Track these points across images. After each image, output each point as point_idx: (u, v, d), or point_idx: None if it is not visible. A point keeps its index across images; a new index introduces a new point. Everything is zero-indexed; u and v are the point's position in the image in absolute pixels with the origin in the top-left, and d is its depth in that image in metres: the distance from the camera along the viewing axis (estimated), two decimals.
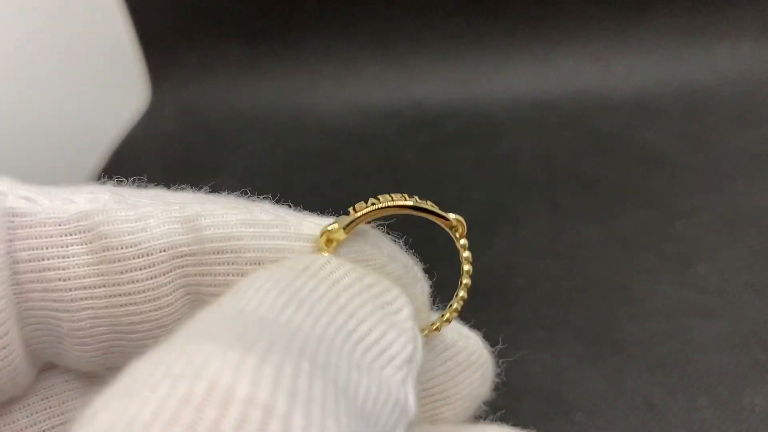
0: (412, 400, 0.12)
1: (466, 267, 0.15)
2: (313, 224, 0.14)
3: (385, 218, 0.16)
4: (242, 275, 0.14)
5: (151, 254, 0.14)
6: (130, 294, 0.14)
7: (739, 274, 0.33)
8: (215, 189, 0.16)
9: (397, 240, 0.16)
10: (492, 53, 0.53)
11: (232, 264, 0.14)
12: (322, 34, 0.54)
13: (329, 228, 0.14)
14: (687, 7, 0.51)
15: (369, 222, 0.15)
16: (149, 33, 0.54)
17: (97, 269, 0.14)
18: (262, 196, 0.16)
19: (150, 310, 0.14)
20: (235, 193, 0.16)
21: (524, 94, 0.51)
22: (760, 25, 0.50)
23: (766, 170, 0.41)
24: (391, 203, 0.14)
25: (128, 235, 0.14)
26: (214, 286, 0.14)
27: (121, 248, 0.14)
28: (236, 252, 0.14)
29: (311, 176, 0.45)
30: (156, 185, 0.16)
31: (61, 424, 0.17)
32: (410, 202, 0.14)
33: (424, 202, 0.14)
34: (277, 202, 0.16)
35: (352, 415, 0.10)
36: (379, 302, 0.13)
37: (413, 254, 0.16)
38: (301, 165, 0.47)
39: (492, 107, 0.50)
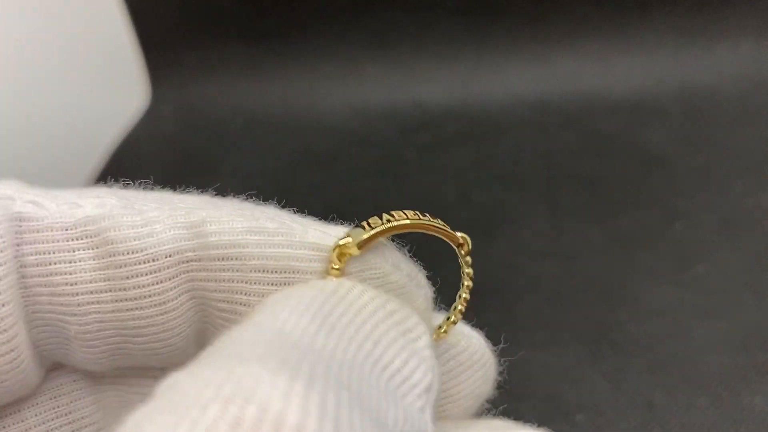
0: (430, 430, 0.12)
1: (467, 282, 0.16)
2: (318, 232, 0.14)
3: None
4: (246, 282, 0.14)
5: (157, 259, 0.14)
6: (136, 299, 0.14)
7: (739, 275, 0.33)
8: (215, 190, 0.16)
9: (400, 247, 0.16)
10: (492, 53, 0.53)
11: (237, 271, 0.14)
12: (323, 34, 0.54)
13: (342, 242, 0.14)
14: (687, 7, 0.51)
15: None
16: (149, 33, 0.54)
17: (104, 274, 0.14)
18: (267, 201, 0.16)
19: (156, 315, 0.14)
20: (240, 196, 0.16)
21: (524, 94, 0.51)
22: (760, 25, 0.50)
23: (766, 171, 0.41)
24: (405, 221, 0.14)
25: (134, 240, 0.14)
26: (219, 291, 0.14)
27: (128, 253, 0.14)
28: (240, 259, 0.14)
29: (311, 176, 0.45)
30: (162, 187, 0.16)
31: (69, 423, 0.17)
32: (424, 221, 0.14)
33: (436, 220, 0.14)
34: (278, 202, 0.16)
35: None
36: (401, 329, 0.13)
37: (416, 260, 0.16)
38: (302, 165, 0.47)
39: (492, 107, 0.50)
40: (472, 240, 0.15)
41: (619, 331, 0.31)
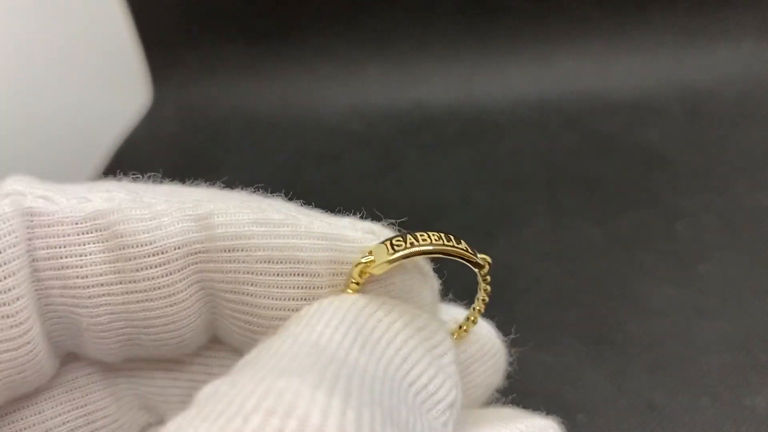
0: None
1: (483, 296, 0.16)
2: (324, 223, 0.14)
3: (397, 216, 0.16)
4: (253, 273, 0.14)
5: (166, 252, 0.14)
6: (146, 291, 0.14)
7: (740, 275, 0.33)
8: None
9: None
10: (492, 54, 0.53)
11: (243, 262, 0.14)
12: (323, 34, 0.54)
13: (365, 260, 0.14)
14: (688, 8, 0.51)
15: (382, 221, 0.15)
16: (151, 34, 0.54)
17: (114, 267, 0.14)
18: (274, 194, 0.16)
19: (165, 306, 0.15)
20: (247, 189, 0.16)
21: (525, 94, 0.51)
22: (760, 24, 0.50)
23: (766, 170, 0.41)
24: (428, 247, 0.14)
25: (143, 233, 0.14)
26: (226, 282, 0.15)
27: (137, 246, 0.14)
28: (246, 250, 0.14)
29: (312, 176, 0.45)
30: (171, 181, 0.16)
31: (84, 415, 0.17)
32: (448, 246, 0.14)
33: (460, 245, 0.14)
34: None
35: None
36: (428, 345, 0.14)
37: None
38: (302, 165, 0.47)
39: (493, 108, 0.50)
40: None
41: (620, 331, 0.31)
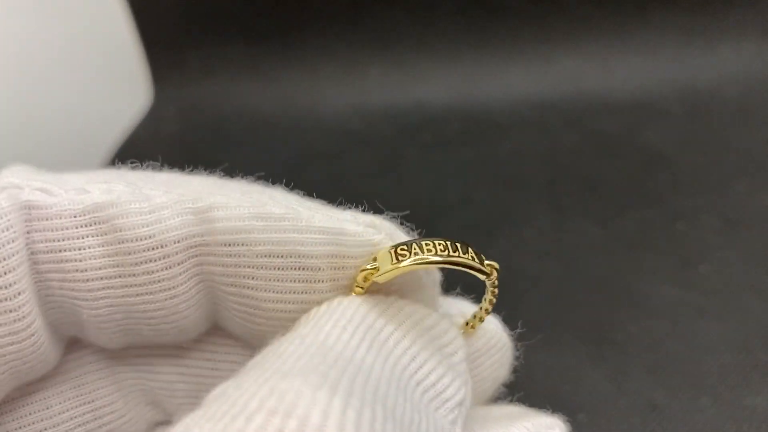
0: None
1: (491, 297, 0.16)
2: (325, 216, 0.14)
3: (398, 209, 0.16)
4: (254, 267, 0.14)
5: (166, 246, 0.14)
6: (145, 284, 0.14)
7: (741, 275, 0.33)
8: None
9: (411, 231, 0.16)
10: (493, 54, 0.53)
11: (244, 256, 0.14)
12: (324, 34, 0.54)
13: (370, 267, 0.14)
14: (689, 7, 0.51)
15: (383, 215, 0.15)
16: (152, 34, 0.54)
17: (113, 260, 0.14)
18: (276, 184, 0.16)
19: (165, 299, 0.15)
20: (250, 177, 0.16)
21: (526, 94, 0.51)
22: (762, 24, 0.50)
23: (767, 171, 0.41)
24: (433, 258, 0.13)
25: (143, 227, 0.14)
26: (227, 276, 0.15)
27: (136, 240, 0.14)
28: (247, 245, 0.14)
29: (312, 176, 0.45)
30: (172, 168, 0.16)
31: (92, 410, 0.17)
32: (453, 257, 0.14)
33: (466, 255, 0.14)
34: None
35: None
36: (438, 344, 0.14)
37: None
38: (303, 165, 0.47)
39: (493, 108, 0.50)
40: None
41: (621, 331, 0.31)
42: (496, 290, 0.15)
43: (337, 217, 0.14)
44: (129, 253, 0.14)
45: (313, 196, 0.16)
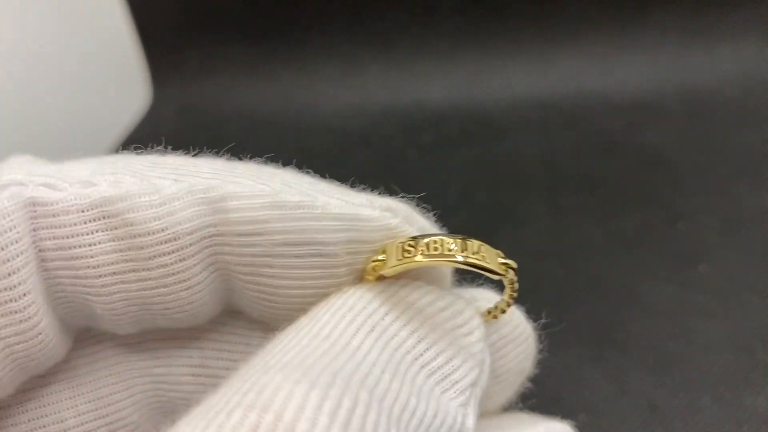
0: (470, 423, 0.13)
1: (510, 293, 0.15)
2: (341, 201, 0.14)
3: (414, 192, 0.16)
4: (270, 256, 0.14)
5: (179, 238, 0.14)
6: (160, 278, 0.14)
7: (741, 275, 0.33)
8: None
9: (427, 213, 0.16)
10: (494, 53, 0.53)
11: (260, 246, 0.14)
12: (324, 34, 0.54)
13: (380, 258, 0.14)
14: (689, 8, 0.51)
15: (400, 197, 0.15)
16: (151, 33, 0.54)
17: (125, 255, 0.14)
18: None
19: (180, 291, 0.14)
20: (259, 158, 0.16)
21: (526, 94, 0.51)
22: (762, 25, 0.50)
23: (767, 171, 0.41)
24: (445, 259, 0.13)
25: (154, 221, 0.14)
26: (243, 265, 0.14)
27: (148, 234, 0.14)
28: (262, 235, 0.14)
29: (312, 176, 0.45)
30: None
31: (107, 425, 0.17)
32: (462, 257, 0.13)
33: (477, 254, 0.14)
34: None
35: None
36: (450, 325, 0.14)
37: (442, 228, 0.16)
38: (303, 165, 0.46)
39: (494, 108, 0.50)
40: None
41: (621, 331, 0.31)
42: (516, 286, 0.15)
43: (352, 201, 0.14)
44: (142, 248, 0.14)
45: None
